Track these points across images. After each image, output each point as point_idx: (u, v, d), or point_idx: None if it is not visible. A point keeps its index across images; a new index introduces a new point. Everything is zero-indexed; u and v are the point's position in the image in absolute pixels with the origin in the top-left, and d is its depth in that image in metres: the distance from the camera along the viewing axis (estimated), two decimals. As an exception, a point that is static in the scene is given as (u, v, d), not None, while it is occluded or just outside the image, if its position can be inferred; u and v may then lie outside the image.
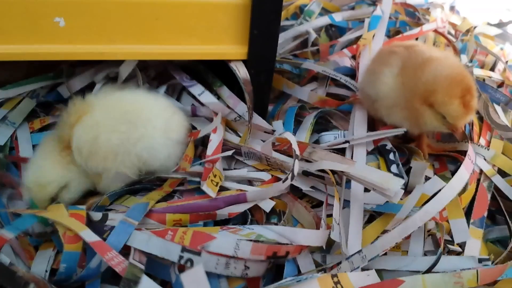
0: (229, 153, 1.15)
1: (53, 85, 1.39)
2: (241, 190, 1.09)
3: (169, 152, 1.13)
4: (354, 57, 1.64)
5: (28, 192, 1.03)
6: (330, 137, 1.34)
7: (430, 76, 1.16)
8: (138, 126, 1.07)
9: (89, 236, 0.90)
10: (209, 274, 0.92)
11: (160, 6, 1.12)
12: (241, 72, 1.22)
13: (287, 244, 0.96)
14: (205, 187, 1.04)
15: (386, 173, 1.08)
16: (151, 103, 1.14)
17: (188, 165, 1.17)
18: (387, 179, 1.05)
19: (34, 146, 1.23)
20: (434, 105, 1.14)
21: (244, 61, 1.24)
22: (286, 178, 1.06)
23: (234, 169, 1.22)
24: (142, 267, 0.88)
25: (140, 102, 1.13)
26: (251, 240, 0.94)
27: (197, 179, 1.11)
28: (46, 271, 0.95)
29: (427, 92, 1.15)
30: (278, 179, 1.15)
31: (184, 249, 0.90)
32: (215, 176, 1.09)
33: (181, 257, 0.90)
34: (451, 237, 1.09)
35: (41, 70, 1.35)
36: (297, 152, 1.08)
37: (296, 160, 1.07)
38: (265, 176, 1.16)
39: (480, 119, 1.40)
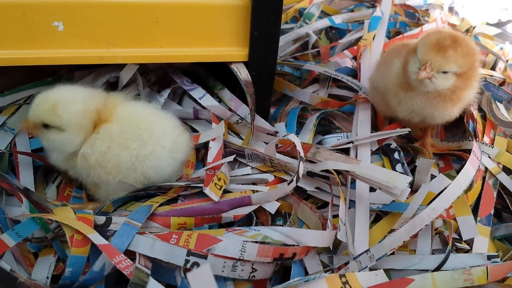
0: (231, 158, 1.13)
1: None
2: (245, 192, 1.07)
3: (173, 170, 1.11)
4: (355, 58, 1.64)
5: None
6: (333, 140, 1.33)
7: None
8: (148, 145, 1.05)
9: (98, 239, 0.89)
10: (215, 277, 0.91)
11: (159, 8, 1.12)
12: (242, 74, 1.21)
13: (293, 245, 0.95)
14: (207, 190, 1.03)
15: (392, 171, 1.07)
16: (162, 121, 1.11)
17: (191, 171, 1.16)
18: (394, 177, 1.04)
19: (33, 151, 1.21)
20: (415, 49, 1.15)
21: (245, 63, 1.23)
22: (292, 180, 1.05)
23: (238, 169, 1.21)
24: (148, 271, 0.87)
25: (151, 118, 1.10)
26: (257, 242, 0.93)
27: (200, 185, 1.10)
28: (48, 277, 0.94)
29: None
30: (282, 181, 1.13)
31: (190, 253, 0.89)
32: (219, 179, 1.08)
33: (187, 261, 0.88)
34: (459, 235, 1.08)
35: (40, 75, 1.34)
36: (302, 154, 1.07)
37: (301, 162, 1.06)
38: (269, 177, 1.15)
39: (483, 117, 1.39)
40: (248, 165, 1.20)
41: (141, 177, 1.07)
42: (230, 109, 1.28)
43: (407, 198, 1.09)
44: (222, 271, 0.90)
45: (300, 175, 1.06)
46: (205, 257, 0.89)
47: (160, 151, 1.06)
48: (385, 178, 1.04)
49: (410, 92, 1.19)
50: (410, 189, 1.07)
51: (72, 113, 1.00)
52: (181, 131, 1.13)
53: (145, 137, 1.05)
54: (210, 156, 1.15)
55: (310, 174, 1.13)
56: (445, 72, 1.12)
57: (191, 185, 1.10)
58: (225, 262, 0.90)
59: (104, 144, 1.02)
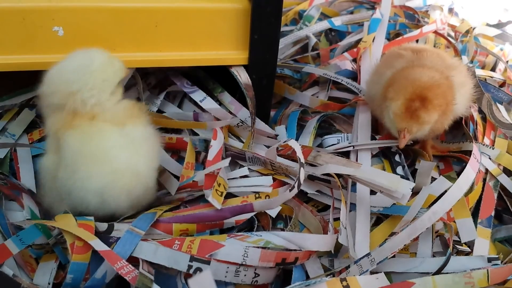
0: (226, 163, 1.11)
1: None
2: (247, 197, 1.07)
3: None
4: (355, 60, 1.64)
5: None
6: (333, 140, 1.33)
7: (402, 75, 1.17)
8: None
9: (99, 245, 0.89)
10: (218, 282, 0.91)
11: (159, 13, 1.12)
12: (242, 77, 1.22)
13: (295, 250, 0.95)
14: (210, 198, 1.02)
15: (395, 176, 1.06)
16: None
17: (191, 172, 1.16)
18: (396, 182, 1.04)
19: (33, 157, 1.21)
20: (386, 99, 1.15)
21: (245, 66, 1.23)
22: (293, 187, 1.05)
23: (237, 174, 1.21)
24: (152, 277, 0.87)
25: None
26: (259, 247, 0.93)
27: (202, 193, 1.10)
28: (49, 283, 0.94)
29: (387, 87, 1.16)
30: (282, 183, 1.14)
31: (193, 258, 0.89)
32: (219, 185, 1.08)
33: (190, 267, 0.88)
34: (459, 237, 1.07)
35: (39, 80, 1.34)
36: (302, 160, 1.07)
37: (302, 168, 1.06)
38: (269, 181, 1.15)
39: (484, 119, 1.39)
40: (247, 167, 1.20)
41: None
42: (230, 112, 1.28)
43: (408, 201, 1.09)
44: (225, 276, 0.90)
45: (301, 181, 1.06)
46: (208, 262, 0.89)
47: None
48: (387, 183, 1.04)
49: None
50: (411, 193, 1.07)
51: None
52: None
53: None
54: (211, 155, 1.15)
55: (311, 178, 1.14)
56: None
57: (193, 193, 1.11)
58: (228, 267, 0.90)
59: None
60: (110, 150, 0.95)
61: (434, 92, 1.11)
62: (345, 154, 1.26)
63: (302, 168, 1.06)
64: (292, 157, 1.21)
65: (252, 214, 1.05)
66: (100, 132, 0.95)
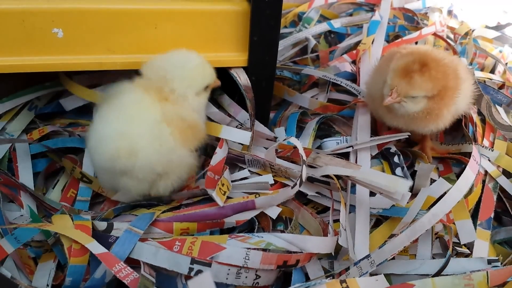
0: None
1: (52, 96, 1.39)
2: (247, 197, 1.07)
3: None
4: (354, 62, 1.64)
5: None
6: (332, 143, 1.33)
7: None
8: None
9: (96, 248, 0.89)
10: (219, 284, 0.92)
11: (158, 15, 1.12)
12: (242, 79, 1.21)
13: (297, 252, 0.95)
14: (214, 194, 1.03)
15: (393, 176, 1.07)
16: None
17: (192, 181, 1.16)
18: (395, 182, 1.04)
19: (32, 157, 1.22)
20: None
21: (244, 68, 1.23)
22: (295, 184, 1.05)
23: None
24: (153, 279, 0.87)
25: None
26: (260, 249, 0.93)
27: (202, 195, 1.10)
28: (48, 285, 0.94)
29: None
30: (283, 185, 1.14)
31: (193, 261, 0.89)
32: (223, 185, 1.08)
33: (191, 269, 0.89)
34: (458, 239, 1.07)
35: (39, 81, 1.34)
36: (304, 157, 1.07)
37: (304, 165, 1.06)
38: (269, 178, 1.15)
39: (483, 121, 1.40)
40: (247, 169, 1.20)
41: None
42: (229, 115, 1.28)
43: (407, 203, 1.09)
44: (227, 278, 0.91)
45: (304, 179, 1.06)
46: (209, 265, 0.89)
47: None
48: (386, 183, 1.04)
49: (392, 113, 1.21)
50: (410, 194, 1.07)
51: None
52: None
53: None
54: (214, 161, 1.14)
55: (310, 180, 1.13)
56: (414, 97, 1.13)
57: (194, 194, 1.11)
58: (229, 269, 0.90)
59: None
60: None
61: (437, 65, 1.12)
62: (345, 156, 1.26)
63: (304, 165, 1.06)
64: (292, 159, 1.21)
65: (254, 213, 1.05)
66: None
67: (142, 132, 0.99)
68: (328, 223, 1.04)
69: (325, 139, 1.35)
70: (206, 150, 1.24)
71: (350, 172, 1.09)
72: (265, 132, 1.29)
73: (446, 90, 1.14)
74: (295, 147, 1.16)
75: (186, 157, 1.06)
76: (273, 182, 1.14)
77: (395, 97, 1.13)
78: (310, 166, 1.17)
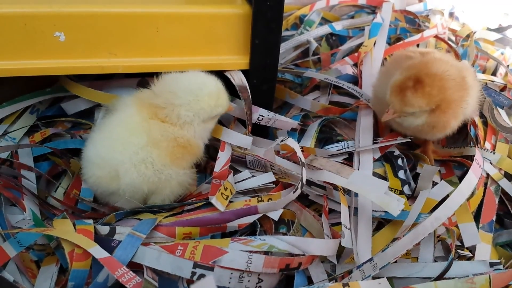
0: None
1: (54, 100, 1.38)
2: (249, 200, 1.07)
3: None
4: (356, 64, 1.64)
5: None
6: (333, 150, 1.32)
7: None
8: None
9: (99, 253, 0.89)
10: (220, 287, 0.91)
11: (160, 18, 1.12)
12: (236, 79, 1.21)
13: (299, 255, 0.95)
14: (214, 200, 1.02)
15: (387, 196, 1.03)
16: None
17: (194, 189, 1.17)
18: (387, 203, 1.02)
19: (35, 159, 1.22)
20: None
21: (246, 71, 1.23)
22: (297, 188, 1.05)
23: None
24: (156, 284, 0.87)
25: None
26: (263, 253, 0.93)
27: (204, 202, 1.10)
28: (50, 288, 0.94)
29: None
30: (284, 185, 1.14)
31: (196, 265, 0.89)
32: (226, 189, 1.07)
33: (193, 273, 0.89)
34: (461, 242, 1.07)
35: (39, 85, 1.34)
36: (303, 160, 1.07)
37: (303, 168, 1.06)
38: (271, 178, 1.14)
39: (484, 123, 1.39)
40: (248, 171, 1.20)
41: None
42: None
43: (410, 205, 1.09)
44: (229, 282, 0.90)
45: (304, 181, 1.06)
46: (211, 269, 0.89)
47: None
48: (378, 202, 1.03)
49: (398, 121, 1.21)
50: (411, 196, 1.06)
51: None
52: None
53: None
54: (218, 166, 1.14)
55: (308, 183, 1.13)
56: (412, 112, 1.13)
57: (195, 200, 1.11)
58: (231, 273, 0.90)
59: None
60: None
61: (433, 81, 1.10)
62: (348, 156, 1.27)
63: (303, 168, 1.06)
64: (292, 159, 1.21)
65: (255, 217, 1.05)
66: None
67: (125, 157, 1.01)
68: (330, 226, 1.04)
69: (327, 146, 1.34)
70: (208, 151, 1.23)
71: (342, 182, 1.08)
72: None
73: (448, 103, 1.12)
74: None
75: (178, 176, 1.07)
76: (274, 179, 1.14)
77: (391, 113, 1.13)
78: (309, 166, 1.17)
